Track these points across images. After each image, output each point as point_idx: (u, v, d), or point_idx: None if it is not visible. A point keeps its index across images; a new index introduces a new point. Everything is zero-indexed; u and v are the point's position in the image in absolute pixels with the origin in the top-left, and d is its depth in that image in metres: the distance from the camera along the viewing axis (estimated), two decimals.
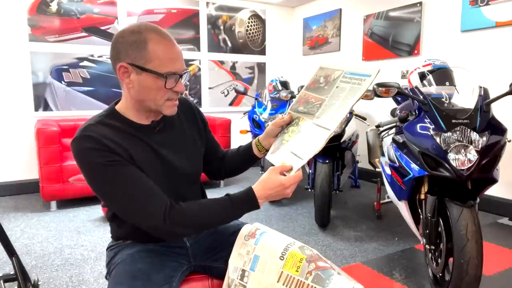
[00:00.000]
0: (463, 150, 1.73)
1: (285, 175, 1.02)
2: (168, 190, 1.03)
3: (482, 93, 1.86)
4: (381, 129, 2.52)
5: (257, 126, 3.78)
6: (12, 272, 1.39)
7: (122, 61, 0.99)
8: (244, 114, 4.35)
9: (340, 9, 4.72)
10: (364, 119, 3.60)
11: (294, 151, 1.06)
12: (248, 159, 1.28)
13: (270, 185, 1.01)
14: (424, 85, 2.07)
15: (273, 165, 1.07)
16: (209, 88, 4.98)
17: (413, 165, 1.86)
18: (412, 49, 3.86)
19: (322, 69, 1.18)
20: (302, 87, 3.71)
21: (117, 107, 1.09)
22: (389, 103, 3.36)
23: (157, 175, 1.04)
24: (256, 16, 5.21)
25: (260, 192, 1.01)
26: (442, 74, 2.07)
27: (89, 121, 1.03)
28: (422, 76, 2.30)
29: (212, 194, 3.75)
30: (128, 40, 0.98)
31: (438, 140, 1.76)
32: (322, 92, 1.12)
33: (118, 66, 1.00)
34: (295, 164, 1.02)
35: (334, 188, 3.30)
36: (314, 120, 1.08)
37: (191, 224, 1.00)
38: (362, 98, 1.01)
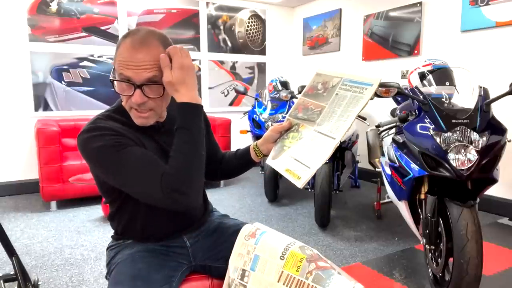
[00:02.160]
0: (463, 150, 1.73)
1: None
2: None
3: (482, 93, 1.86)
4: (381, 129, 2.52)
5: (257, 126, 3.78)
6: (12, 272, 1.39)
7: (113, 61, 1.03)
8: (244, 114, 4.35)
9: (340, 9, 4.72)
10: (364, 119, 3.60)
11: (297, 158, 1.05)
12: (245, 163, 1.28)
13: (175, 77, 0.96)
14: (424, 85, 2.07)
15: (274, 169, 1.07)
16: (209, 88, 4.98)
17: (413, 165, 1.86)
18: (412, 49, 3.86)
19: (319, 75, 1.17)
20: (302, 87, 3.71)
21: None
22: (389, 103, 3.36)
23: None
24: (256, 16, 5.21)
25: (181, 92, 0.97)
26: (442, 74, 2.07)
27: (97, 116, 1.05)
28: (422, 76, 2.30)
29: (212, 194, 3.77)
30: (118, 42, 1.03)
31: (438, 140, 1.76)
32: (321, 98, 1.12)
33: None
34: (302, 173, 1.01)
35: (334, 188, 3.30)
36: (316, 127, 1.07)
37: (183, 179, 0.94)
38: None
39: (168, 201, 0.93)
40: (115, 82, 1.00)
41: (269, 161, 1.15)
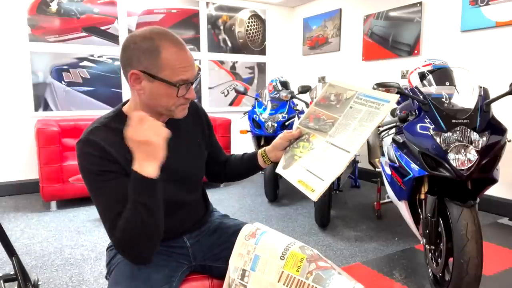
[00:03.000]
0: (463, 150, 1.73)
1: None
2: (170, 193, 1.03)
3: (482, 93, 1.86)
4: (381, 129, 2.52)
5: (257, 126, 3.78)
6: (12, 272, 1.39)
7: (134, 68, 0.97)
8: (244, 114, 4.35)
9: (340, 9, 4.72)
10: None
11: (310, 169, 1.04)
12: (252, 168, 1.27)
13: (133, 147, 0.93)
14: (424, 85, 2.07)
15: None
16: (209, 88, 4.98)
17: (413, 165, 1.86)
18: (412, 49, 3.86)
19: (332, 87, 1.15)
20: (302, 87, 3.71)
21: (125, 109, 1.08)
22: None
23: (160, 179, 1.04)
24: (256, 16, 5.21)
25: (135, 165, 0.93)
26: (442, 74, 2.06)
27: (95, 123, 1.03)
28: (422, 76, 2.30)
29: (212, 194, 3.76)
30: (140, 47, 0.96)
31: (438, 140, 1.76)
32: (334, 110, 1.10)
33: (129, 74, 0.98)
34: (316, 185, 1.00)
35: (334, 188, 3.30)
36: (328, 138, 1.07)
37: (129, 246, 0.94)
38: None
39: (119, 251, 0.98)
40: (179, 89, 0.98)
41: (280, 170, 1.14)
